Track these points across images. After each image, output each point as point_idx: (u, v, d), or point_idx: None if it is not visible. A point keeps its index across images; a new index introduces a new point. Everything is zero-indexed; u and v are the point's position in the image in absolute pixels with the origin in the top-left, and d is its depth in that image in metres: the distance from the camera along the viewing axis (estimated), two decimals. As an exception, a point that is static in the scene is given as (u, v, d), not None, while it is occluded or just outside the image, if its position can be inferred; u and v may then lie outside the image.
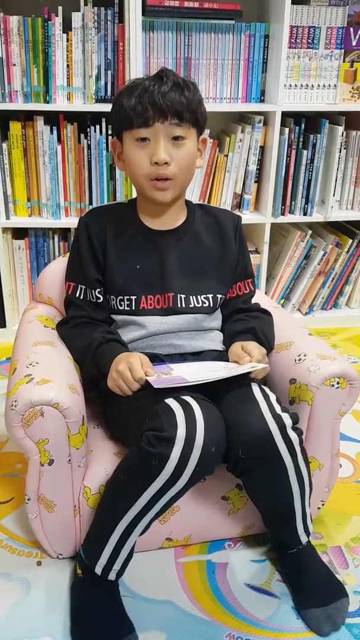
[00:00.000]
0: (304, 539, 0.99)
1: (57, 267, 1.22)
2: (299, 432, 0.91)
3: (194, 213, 1.09)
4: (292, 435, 0.89)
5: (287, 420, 0.89)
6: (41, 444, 0.93)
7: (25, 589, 1.00)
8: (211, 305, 1.06)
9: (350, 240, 1.94)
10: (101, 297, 1.06)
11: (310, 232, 1.93)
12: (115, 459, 1.01)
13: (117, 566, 0.91)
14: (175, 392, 0.89)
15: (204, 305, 1.05)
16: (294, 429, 0.90)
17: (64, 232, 1.84)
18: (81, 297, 1.06)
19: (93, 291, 1.06)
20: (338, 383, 1.00)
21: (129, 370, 0.92)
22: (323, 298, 2.02)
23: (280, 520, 0.98)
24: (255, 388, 0.94)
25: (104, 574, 0.91)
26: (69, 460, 0.95)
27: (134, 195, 1.11)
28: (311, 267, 1.95)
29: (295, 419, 0.91)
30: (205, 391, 0.98)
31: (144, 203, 1.05)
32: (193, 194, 1.81)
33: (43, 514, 0.98)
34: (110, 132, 1.70)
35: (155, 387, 0.87)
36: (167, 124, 0.95)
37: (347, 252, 1.95)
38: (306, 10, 1.72)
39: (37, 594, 0.99)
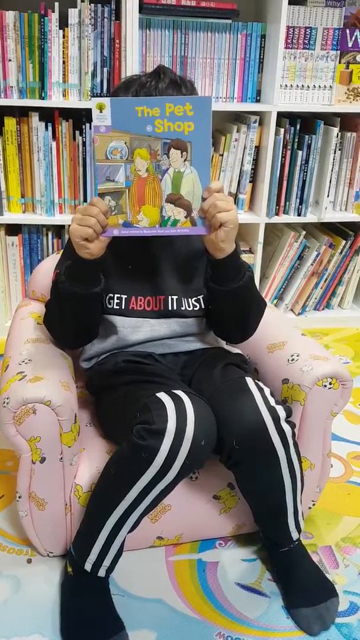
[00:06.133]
0: (295, 535, 0.99)
1: (51, 264, 1.21)
2: (292, 425, 0.91)
3: None
4: (286, 427, 0.90)
5: (281, 412, 0.90)
6: (33, 442, 0.92)
7: (15, 587, 1.00)
8: (202, 307, 1.05)
9: (344, 241, 1.94)
10: None
11: (304, 232, 1.94)
12: (107, 457, 1.00)
13: (107, 562, 0.91)
14: (166, 386, 0.89)
15: (195, 308, 1.04)
16: (288, 421, 0.91)
17: (57, 229, 1.83)
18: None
19: None
20: (330, 383, 1.01)
21: (91, 205, 0.85)
22: (316, 298, 2.02)
23: (271, 515, 0.98)
24: (250, 381, 0.95)
25: (93, 571, 0.91)
26: (61, 458, 0.95)
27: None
28: (304, 267, 1.95)
29: (288, 412, 0.92)
30: (198, 385, 0.98)
31: None
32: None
33: (34, 511, 0.98)
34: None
35: (114, 234, 0.88)
36: None
37: (340, 253, 1.96)
38: (303, 11, 1.72)
39: (26, 592, 0.99)
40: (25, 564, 1.04)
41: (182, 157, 0.84)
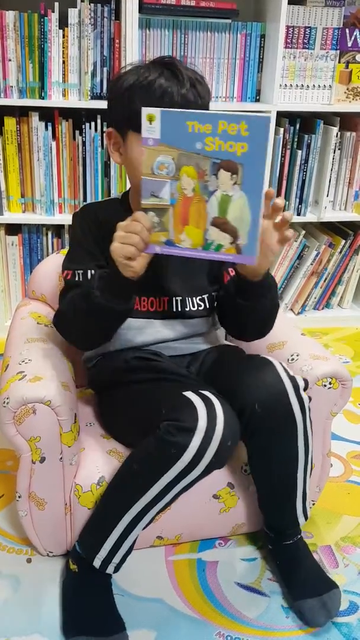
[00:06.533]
0: (301, 520, 0.99)
1: (51, 263, 1.22)
2: (309, 397, 0.93)
3: None
4: (304, 396, 0.92)
5: (300, 382, 0.92)
6: (33, 442, 0.92)
7: (14, 586, 1.00)
8: (207, 307, 1.05)
9: (343, 241, 1.95)
10: None
11: (303, 232, 1.94)
12: (108, 457, 1.01)
13: (116, 559, 0.91)
14: (187, 385, 0.90)
15: (200, 308, 1.04)
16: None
17: (57, 229, 1.83)
18: (81, 280, 0.96)
19: (94, 272, 0.94)
20: (330, 383, 1.01)
21: (134, 220, 0.81)
22: (315, 298, 2.03)
23: (281, 494, 0.97)
24: (268, 356, 0.97)
25: (102, 567, 0.91)
26: (61, 458, 0.95)
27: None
28: (304, 267, 1.95)
29: (306, 384, 0.93)
30: (211, 372, 0.99)
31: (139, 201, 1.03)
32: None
33: (34, 511, 0.98)
34: (104, 128, 1.69)
35: (156, 252, 0.83)
36: None
37: (340, 252, 1.96)
38: (302, 11, 1.72)
39: (26, 592, 0.99)
40: (24, 563, 1.04)
41: (231, 179, 0.77)
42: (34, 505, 0.97)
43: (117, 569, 0.93)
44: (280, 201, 0.84)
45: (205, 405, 0.84)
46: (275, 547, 1.03)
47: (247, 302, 0.95)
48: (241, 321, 1.01)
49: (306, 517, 1.00)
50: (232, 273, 1.01)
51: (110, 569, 0.92)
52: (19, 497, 0.97)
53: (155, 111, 0.77)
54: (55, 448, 0.94)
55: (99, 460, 1.00)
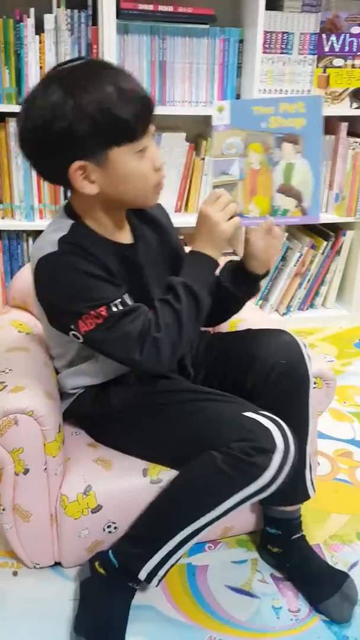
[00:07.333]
0: (311, 493, 1.01)
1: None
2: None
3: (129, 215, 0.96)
4: (310, 354, 0.99)
5: (304, 341, 1.00)
6: (16, 453, 0.91)
7: (0, 600, 0.98)
8: None
9: (325, 242, 1.96)
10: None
11: (286, 234, 1.95)
12: (94, 465, 0.99)
13: (162, 572, 0.90)
14: (232, 402, 0.91)
15: None
16: None
17: (38, 235, 1.80)
18: (121, 308, 0.86)
19: (129, 297, 0.89)
20: (315, 383, 1.02)
21: (216, 196, 0.89)
22: (300, 299, 2.04)
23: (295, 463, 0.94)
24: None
25: (147, 579, 0.90)
26: (45, 468, 0.93)
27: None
28: (288, 268, 1.97)
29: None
30: (215, 341, 1.05)
31: (103, 216, 0.91)
32: (170, 197, 1.81)
33: (19, 523, 0.96)
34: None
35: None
36: (151, 123, 0.87)
37: (322, 253, 1.98)
38: (280, 16, 1.74)
39: (13, 605, 0.97)
40: (10, 576, 1.03)
41: (294, 149, 0.90)
42: (18, 517, 0.96)
43: (159, 582, 0.91)
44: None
45: (276, 426, 0.86)
46: (284, 547, 1.02)
47: (243, 294, 1.00)
48: (220, 310, 1.02)
49: (314, 489, 1.01)
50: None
51: (154, 583, 0.91)
52: (3, 509, 0.95)
53: (225, 103, 0.91)
54: (39, 459, 0.92)
55: (85, 469, 0.99)
